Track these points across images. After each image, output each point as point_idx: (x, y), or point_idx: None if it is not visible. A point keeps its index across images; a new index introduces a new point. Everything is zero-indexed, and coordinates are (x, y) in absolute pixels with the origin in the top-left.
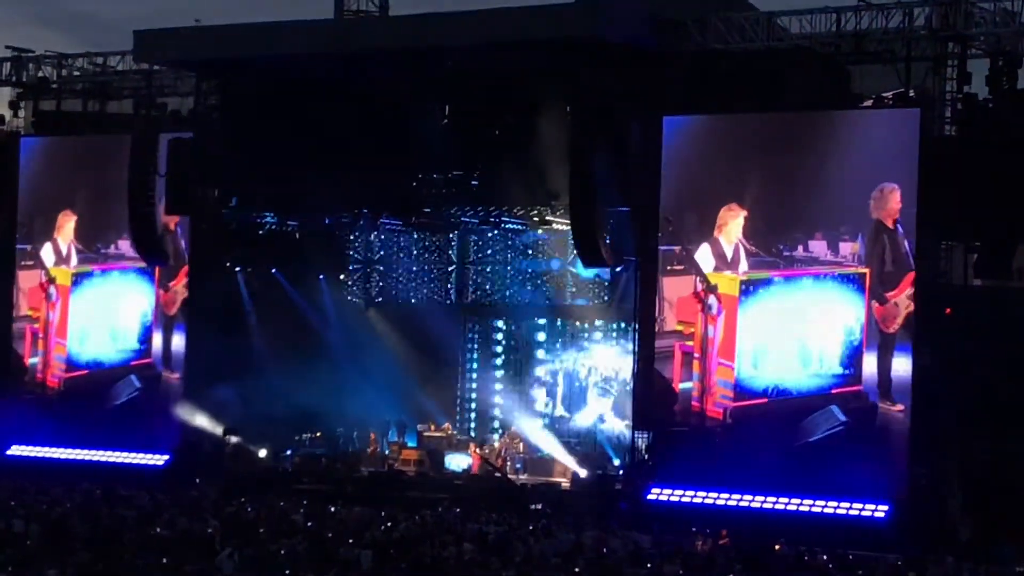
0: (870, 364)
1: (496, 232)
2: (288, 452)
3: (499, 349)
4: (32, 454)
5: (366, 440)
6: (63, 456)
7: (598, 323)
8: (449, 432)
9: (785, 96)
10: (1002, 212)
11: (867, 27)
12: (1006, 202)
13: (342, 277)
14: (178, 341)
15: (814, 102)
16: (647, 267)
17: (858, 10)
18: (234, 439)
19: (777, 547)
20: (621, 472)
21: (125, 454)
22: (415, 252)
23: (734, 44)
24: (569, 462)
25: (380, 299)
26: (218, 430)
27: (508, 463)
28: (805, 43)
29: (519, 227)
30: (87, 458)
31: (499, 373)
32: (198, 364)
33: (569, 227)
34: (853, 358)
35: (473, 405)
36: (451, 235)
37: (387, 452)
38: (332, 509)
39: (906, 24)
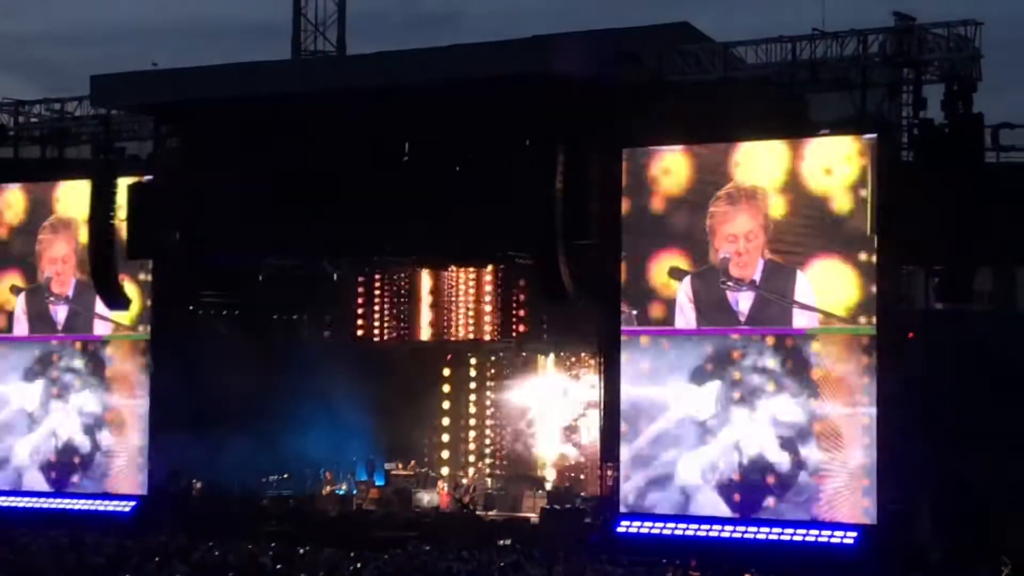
0: None
1: (458, 268)
2: (256, 494)
3: (467, 384)
4: None
5: (328, 480)
6: (26, 504)
7: (563, 356)
8: (417, 470)
9: (743, 125)
10: (962, 235)
11: (822, 55)
12: (965, 225)
13: (306, 318)
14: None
15: (771, 131)
16: (609, 300)
17: (813, 39)
18: (197, 484)
19: None
20: (590, 505)
21: (91, 501)
22: (379, 290)
23: (690, 75)
24: (538, 496)
25: (345, 338)
26: (185, 475)
27: (477, 499)
28: (761, 73)
29: (480, 263)
30: (52, 506)
31: (467, 409)
32: (163, 407)
33: (532, 262)
34: None
35: (441, 441)
36: (415, 271)
37: (355, 492)
38: (301, 551)
39: (861, 51)
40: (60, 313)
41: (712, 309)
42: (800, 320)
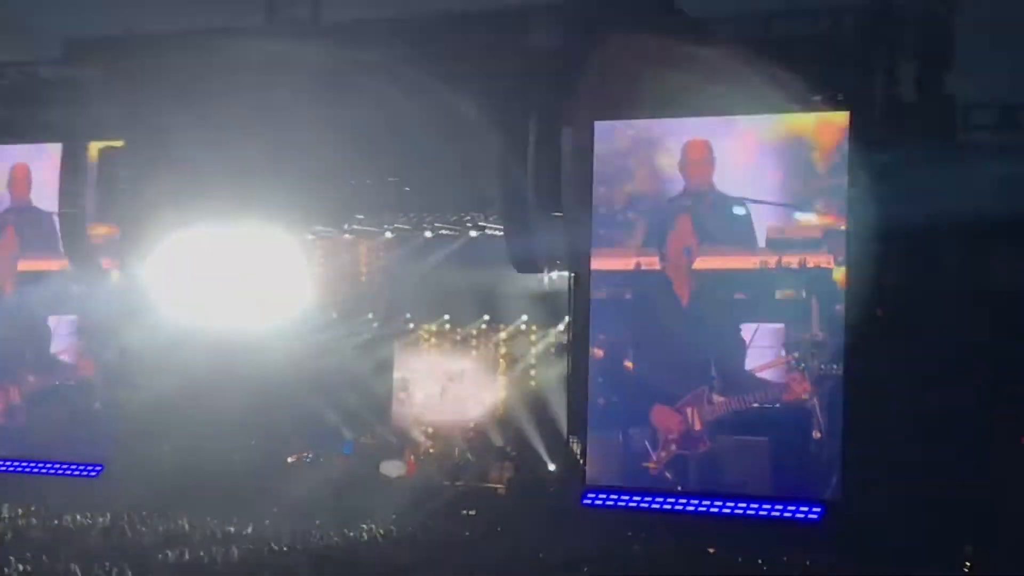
0: None
1: (431, 237)
2: (223, 462)
3: (434, 355)
4: None
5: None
6: None
7: (534, 329)
8: (384, 439)
9: (716, 100)
10: (932, 214)
11: (796, 32)
12: (934, 203)
13: (276, 283)
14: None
15: (745, 106)
16: (580, 273)
17: (787, 15)
18: (166, 448)
19: (712, 550)
20: (557, 477)
21: (56, 465)
22: (349, 259)
23: (663, 49)
24: (504, 467)
25: (315, 306)
26: (154, 439)
27: (443, 469)
28: (735, 48)
29: (453, 233)
30: (18, 469)
31: (434, 378)
32: (133, 372)
33: (502, 233)
34: None
35: (409, 411)
36: (385, 241)
37: (321, 460)
38: (266, 520)
39: (835, 28)
40: None
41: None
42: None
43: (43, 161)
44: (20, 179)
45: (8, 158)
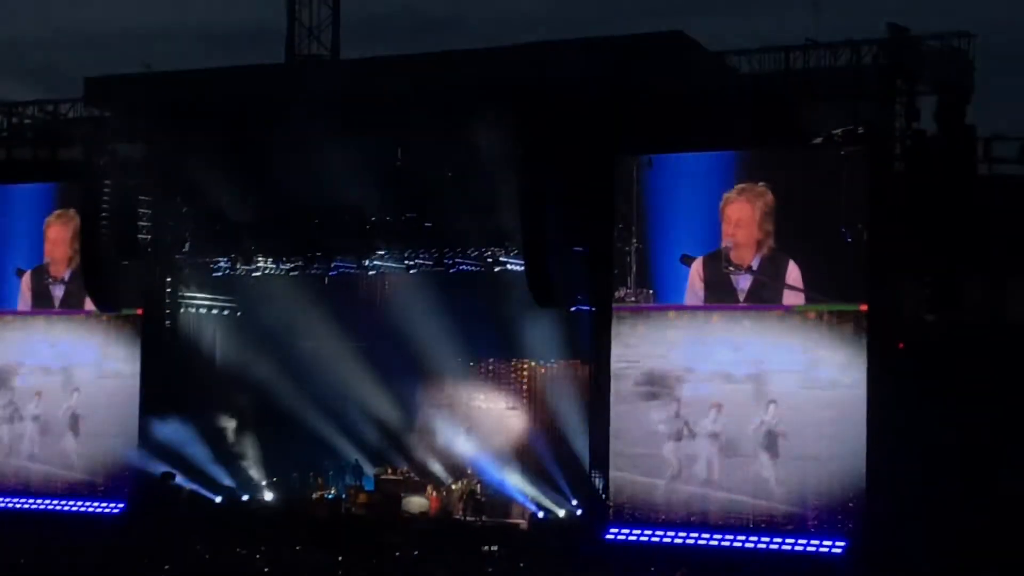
0: None
1: (451, 273)
2: (245, 497)
3: (456, 389)
4: None
5: (318, 484)
6: (14, 505)
7: (553, 362)
8: (407, 474)
9: (735, 135)
10: (952, 247)
11: (815, 65)
12: (956, 237)
13: (296, 319)
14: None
15: (765, 140)
16: (601, 308)
17: (806, 49)
18: (186, 486)
19: None
20: (579, 512)
21: (80, 502)
22: (368, 294)
23: (684, 84)
24: (527, 503)
25: (335, 342)
26: (175, 477)
27: (467, 505)
28: (755, 82)
29: (473, 268)
30: (40, 507)
31: (457, 413)
32: (153, 409)
33: (523, 268)
34: None
35: (431, 446)
36: (405, 277)
37: (343, 496)
38: (289, 555)
39: (854, 62)
40: (58, 291)
41: (717, 289)
42: (789, 299)
43: None
44: None
45: None
